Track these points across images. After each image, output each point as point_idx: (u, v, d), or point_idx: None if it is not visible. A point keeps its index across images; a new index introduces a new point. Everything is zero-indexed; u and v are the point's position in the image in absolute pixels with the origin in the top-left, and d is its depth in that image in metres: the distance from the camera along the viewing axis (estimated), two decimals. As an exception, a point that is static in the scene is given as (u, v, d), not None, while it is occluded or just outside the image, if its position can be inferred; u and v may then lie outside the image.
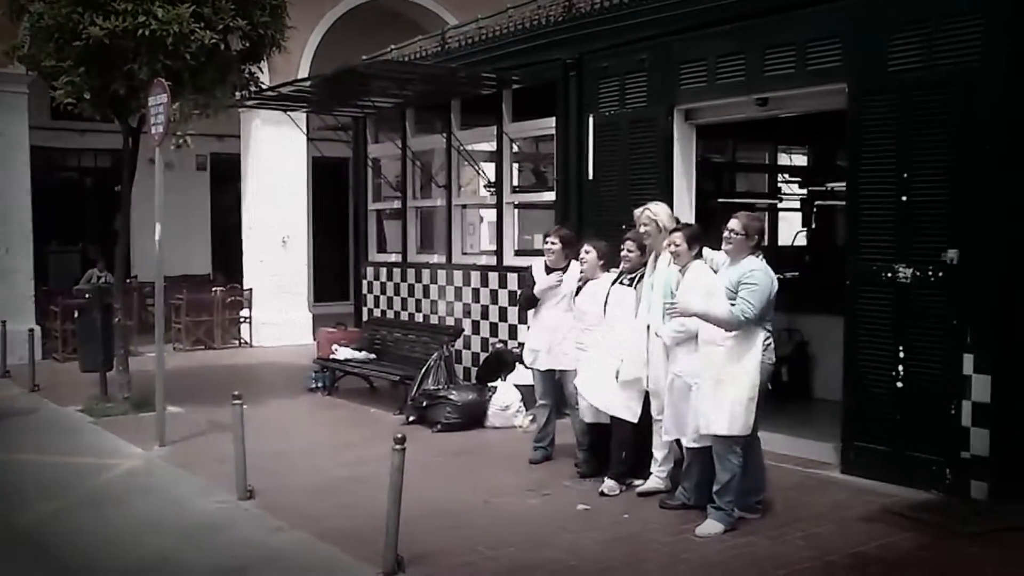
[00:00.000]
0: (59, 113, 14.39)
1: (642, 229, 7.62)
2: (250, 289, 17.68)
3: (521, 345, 11.09)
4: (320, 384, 12.43)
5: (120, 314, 11.49)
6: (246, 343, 17.63)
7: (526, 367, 8.98)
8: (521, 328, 11.31)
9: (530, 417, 9.94)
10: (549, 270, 8.65)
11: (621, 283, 7.79)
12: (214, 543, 6.81)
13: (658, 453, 7.64)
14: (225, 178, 20.74)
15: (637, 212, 7.70)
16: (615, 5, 10.11)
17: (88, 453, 9.50)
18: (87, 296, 12.70)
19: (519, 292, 9.54)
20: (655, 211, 7.60)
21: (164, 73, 9.98)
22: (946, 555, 6.32)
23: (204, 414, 10.80)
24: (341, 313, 16.62)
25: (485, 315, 12.03)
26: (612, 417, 7.74)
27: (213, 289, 17.75)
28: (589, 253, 8.10)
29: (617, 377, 7.55)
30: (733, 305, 6.62)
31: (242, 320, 17.71)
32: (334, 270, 21.81)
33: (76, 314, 13.72)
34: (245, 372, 14.42)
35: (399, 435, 6.13)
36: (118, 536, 7.00)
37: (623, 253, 7.80)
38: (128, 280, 13.36)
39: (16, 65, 12.25)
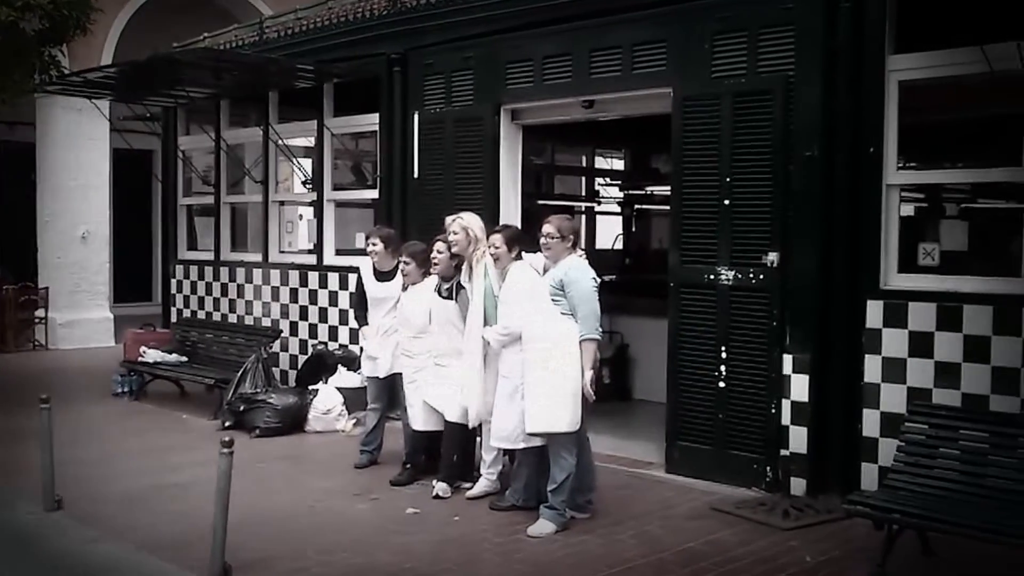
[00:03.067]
0: None
1: (451, 238, 7.45)
2: (46, 288, 16.69)
3: (342, 347, 10.92)
4: (127, 388, 11.83)
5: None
6: (41, 345, 16.63)
7: (367, 376, 8.71)
8: (342, 329, 11.11)
9: (353, 420, 9.76)
10: (377, 273, 8.47)
11: (440, 295, 7.69)
12: (24, 556, 6.36)
13: (487, 455, 7.57)
14: (16, 167, 19.54)
15: (448, 220, 7.56)
16: (442, 1, 9.99)
17: None
18: None
19: (352, 296, 9.30)
20: (467, 220, 7.49)
21: (-45, 52, 9.31)
22: (769, 549, 6.47)
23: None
24: (145, 314, 15.89)
25: (304, 316, 11.72)
26: (446, 421, 7.64)
27: (3, 288, 16.67)
28: (408, 264, 7.93)
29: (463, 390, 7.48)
30: (558, 305, 6.74)
31: (37, 321, 16.68)
32: (138, 269, 20.89)
33: None
34: (43, 376, 13.55)
35: (226, 438, 5.84)
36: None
37: (432, 255, 7.67)
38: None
39: None
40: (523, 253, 7.20)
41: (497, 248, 7.12)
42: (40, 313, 16.68)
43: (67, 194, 16.71)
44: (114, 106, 14.73)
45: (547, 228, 6.88)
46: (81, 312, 16.71)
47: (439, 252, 7.61)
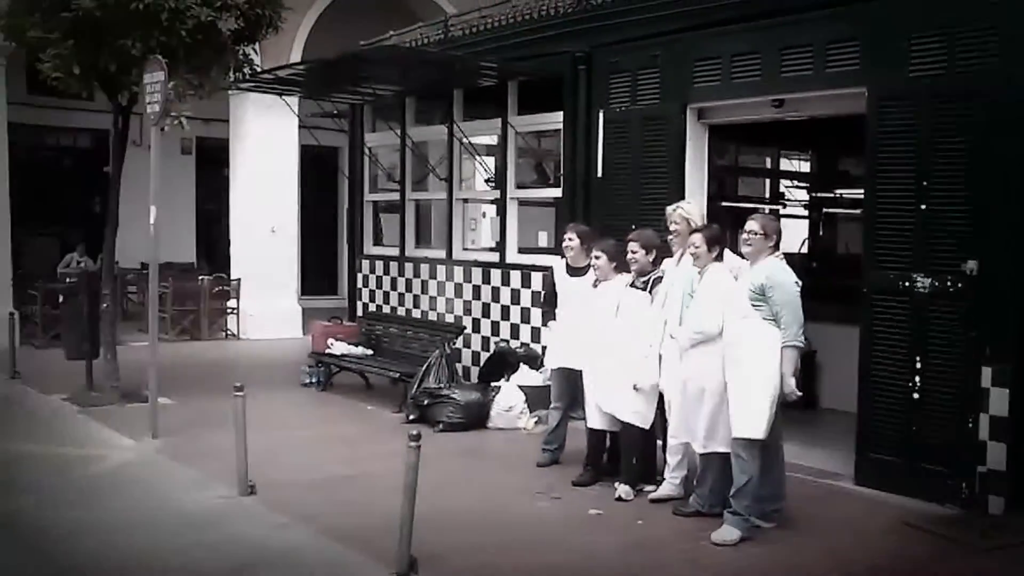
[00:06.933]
0: (36, 87, 14.09)
1: (672, 228, 7.49)
2: (238, 279, 17.37)
3: (523, 345, 10.97)
4: (315, 379, 12.17)
5: (108, 301, 11.21)
6: (232, 335, 17.34)
7: (551, 368, 8.70)
8: (524, 327, 11.17)
9: (535, 419, 9.79)
10: (570, 269, 8.44)
11: (634, 286, 7.62)
12: (216, 539, 6.62)
13: (671, 458, 7.49)
14: (211, 163, 20.45)
15: (669, 210, 7.60)
16: (628, -1, 9.95)
17: (77, 443, 9.25)
18: (71, 281, 12.35)
19: (543, 293, 9.28)
20: (688, 210, 7.50)
21: (158, 50, 9.72)
22: (963, 569, 6.22)
23: (195, 406, 10.61)
24: (330, 307, 16.37)
25: (486, 313, 11.79)
26: (622, 422, 7.58)
27: (199, 278, 17.43)
28: (599, 258, 7.86)
29: (636, 387, 7.40)
30: (759, 310, 6.58)
31: (229, 311, 17.37)
32: (323, 262, 21.49)
33: (60, 299, 13.33)
34: (234, 364, 14.14)
35: (414, 432, 5.91)
36: (112, 530, 6.77)
37: (628, 256, 7.62)
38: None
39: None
40: (726, 253, 7.11)
41: (697, 247, 7.02)
42: (232, 304, 17.37)
43: (257, 188, 17.35)
44: (303, 103, 15.18)
45: (751, 225, 6.73)
46: (270, 303, 17.25)
47: (634, 253, 7.56)
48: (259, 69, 12.46)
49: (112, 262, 11.54)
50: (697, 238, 7.05)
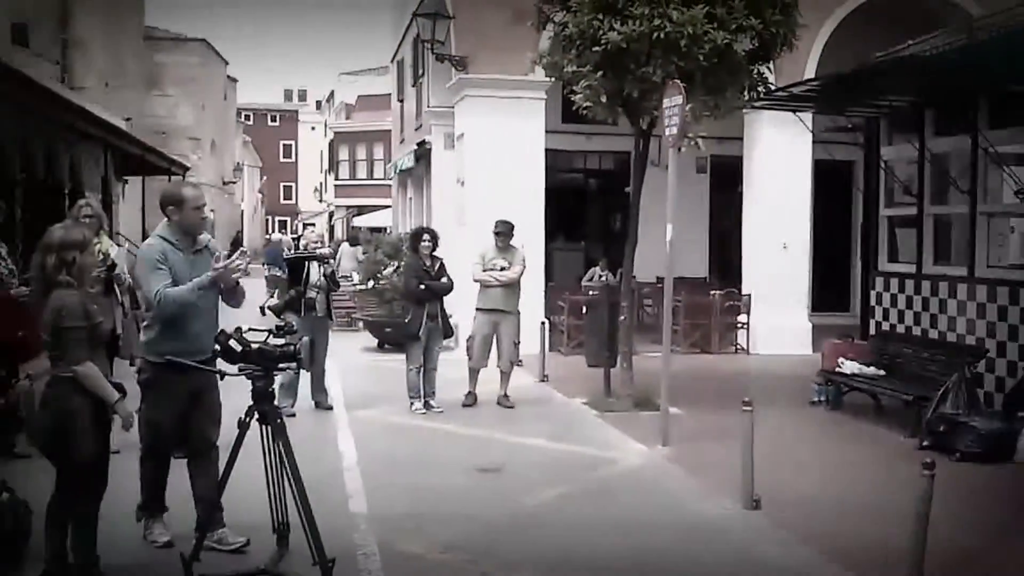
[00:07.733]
0: (569, 117, 15.38)
1: None
2: (748, 294, 17.53)
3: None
4: (824, 398, 11.95)
5: (625, 313, 11.81)
6: (742, 349, 17.52)
7: None
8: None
9: (1066, 453, 8.91)
10: None
11: None
12: (721, 549, 6.75)
13: None
14: (725, 180, 20.87)
15: None
16: None
17: (593, 445, 9.87)
18: (594, 293, 13.20)
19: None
20: None
21: (676, 75, 10.12)
22: None
23: (704, 418, 10.86)
24: (841, 324, 16.02)
25: (1013, 336, 10.84)
26: None
27: (710, 293, 17.82)
28: None
29: None
30: None
31: (739, 326, 17.59)
32: (834, 279, 21.12)
33: (584, 310, 14.29)
34: (743, 379, 14.30)
35: (927, 460, 5.63)
36: (617, 529, 7.14)
37: None
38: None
39: (535, 72, 13.07)
40: None
41: None
42: (742, 318, 17.56)
43: (770, 205, 17.42)
44: (817, 118, 14.97)
45: None
46: (780, 319, 17.20)
47: None
48: (773, 87, 12.49)
49: (631, 276, 12.21)
50: None
